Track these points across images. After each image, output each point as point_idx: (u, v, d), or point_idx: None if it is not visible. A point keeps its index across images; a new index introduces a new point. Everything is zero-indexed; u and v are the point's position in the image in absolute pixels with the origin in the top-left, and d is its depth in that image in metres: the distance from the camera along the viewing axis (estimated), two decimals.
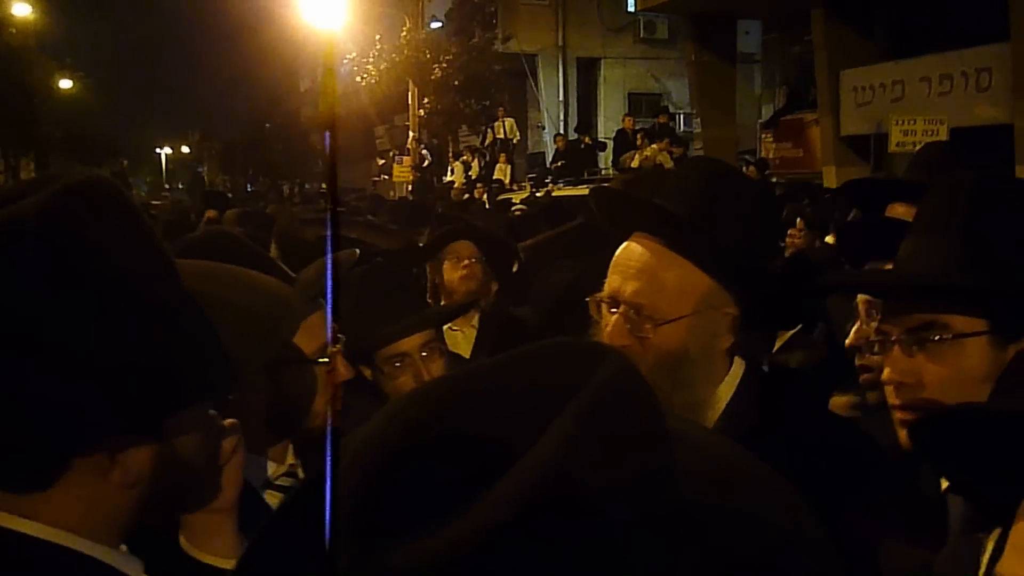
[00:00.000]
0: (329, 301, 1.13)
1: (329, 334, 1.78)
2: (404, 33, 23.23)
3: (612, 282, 1.71)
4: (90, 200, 1.06)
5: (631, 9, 23.91)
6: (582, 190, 14.83)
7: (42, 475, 1.04)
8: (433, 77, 22.68)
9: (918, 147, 11.08)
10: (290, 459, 1.89)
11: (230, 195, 19.39)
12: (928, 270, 1.47)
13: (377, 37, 23.82)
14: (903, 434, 1.47)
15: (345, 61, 24.00)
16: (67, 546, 1.05)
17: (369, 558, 0.59)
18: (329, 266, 1.17)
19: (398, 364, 2.29)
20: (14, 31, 31.94)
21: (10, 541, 1.04)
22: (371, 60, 23.76)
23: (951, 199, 1.51)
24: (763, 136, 18.64)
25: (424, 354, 2.30)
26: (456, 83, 22.47)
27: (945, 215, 1.50)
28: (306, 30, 26.50)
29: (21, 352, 0.99)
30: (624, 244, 1.72)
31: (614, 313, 1.70)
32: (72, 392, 1.00)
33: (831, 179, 14.06)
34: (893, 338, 1.46)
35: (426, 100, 23.29)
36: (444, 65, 22.58)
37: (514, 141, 21.97)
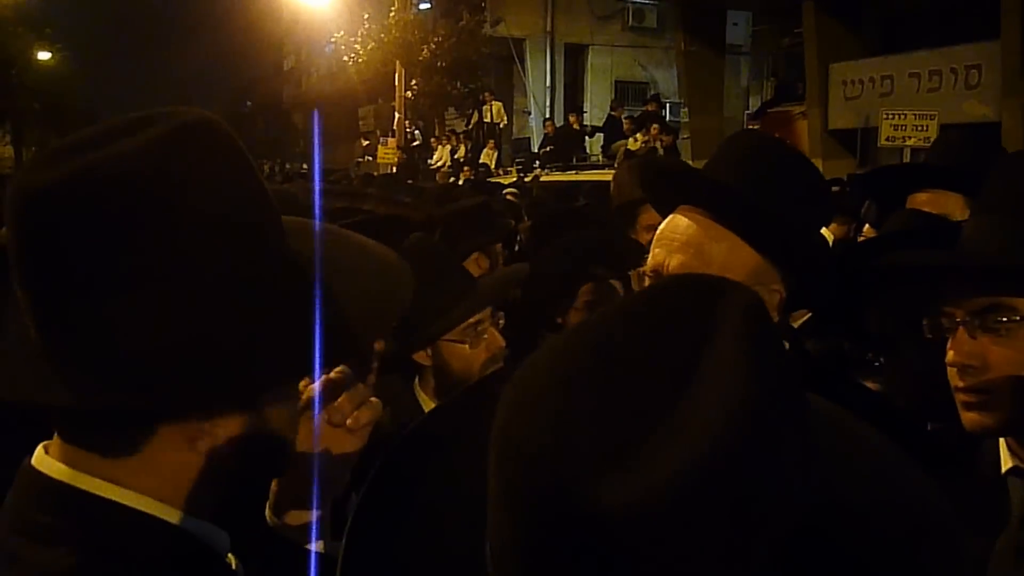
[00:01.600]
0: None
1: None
2: (392, 14, 23.07)
3: (656, 255, 1.66)
4: (202, 144, 0.97)
5: None
6: (571, 176, 14.83)
7: (129, 438, 0.98)
8: (421, 58, 22.54)
9: (908, 142, 11.24)
10: None
11: None
12: (992, 251, 1.44)
13: (365, 16, 23.64)
14: (966, 417, 1.44)
15: (331, 40, 23.83)
16: (153, 514, 1.00)
17: (574, 498, 0.58)
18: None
19: (474, 333, 2.27)
20: None
21: (96, 506, 0.98)
22: (358, 40, 23.58)
23: (1016, 179, 1.47)
24: (750, 127, 18.67)
25: (493, 321, 2.31)
26: (443, 65, 22.35)
27: (1011, 196, 1.46)
28: (292, 7, 26.30)
29: (120, 304, 0.92)
30: (669, 217, 1.67)
31: None
32: (167, 354, 0.93)
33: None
34: (957, 320, 1.43)
35: (413, 82, 23.16)
36: (432, 47, 22.46)
37: (501, 125, 21.90)
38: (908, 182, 2.62)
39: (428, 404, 2.36)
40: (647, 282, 1.69)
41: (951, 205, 2.46)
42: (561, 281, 2.74)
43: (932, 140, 11.61)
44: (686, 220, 1.65)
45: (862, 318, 2.03)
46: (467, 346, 2.27)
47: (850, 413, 0.82)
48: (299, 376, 1.13)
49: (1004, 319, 1.39)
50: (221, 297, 0.95)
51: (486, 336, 2.28)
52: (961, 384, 1.43)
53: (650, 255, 1.70)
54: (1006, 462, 1.45)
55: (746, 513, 0.59)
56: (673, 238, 1.65)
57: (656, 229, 3.22)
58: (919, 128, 11.52)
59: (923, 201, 2.52)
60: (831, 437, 0.73)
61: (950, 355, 1.43)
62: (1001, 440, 1.47)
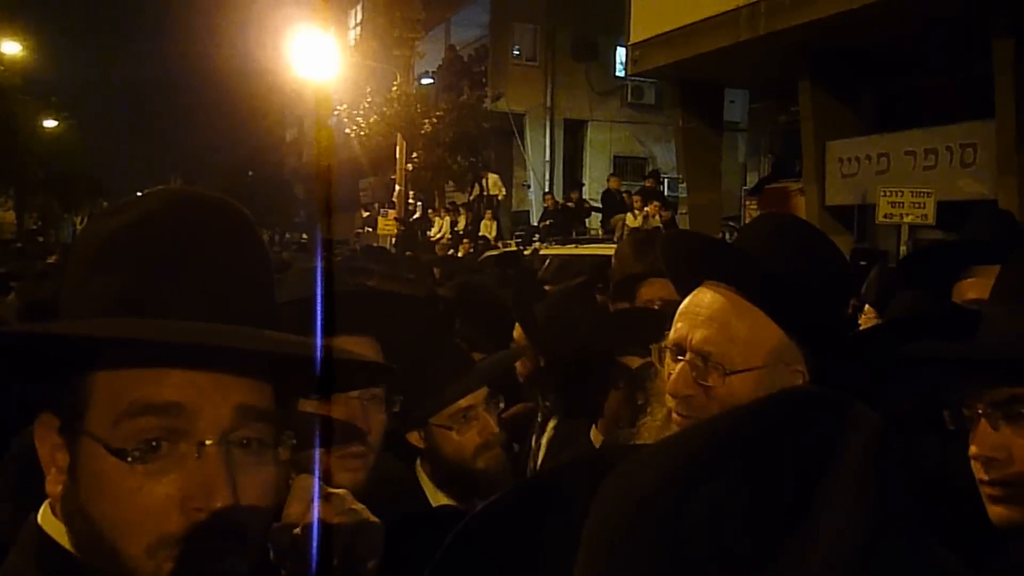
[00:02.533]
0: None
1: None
2: (395, 87, 23.44)
3: (679, 330, 1.67)
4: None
5: (619, 74, 24.29)
6: (570, 249, 14.90)
7: None
8: (422, 132, 22.85)
9: (906, 219, 11.32)
10: None
11: None
12: (1013, 342, 1.44)
13: (368, 90, 24.01)
14: (993, 511, 1.42)
15: (335, 113, 24.16)
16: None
17: None
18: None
19: (463, 419, 2.23)
20: (2, 68, 31.96)
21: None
22: (361, 113, 23.92)
23: None
24: (747, 203, 18.82)
25: (487, 406, 2.27)
26: (445, 139, 22.64)
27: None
28: (295, 80, 26.71)
29: None
30: (694, 292, 1.68)
31: (679, 361, 1.66)
32: None
33: None
34: (980, 411, 1.43)
35: (414, 154, 23.44)
36: (434, 120, 22.77)
37: (499, 197, 22.09)
38: (955, 264, 2.55)
39: (428, 485, 2.33)
40: (667, 357, 1.70)
41: None
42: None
43: (929, 217, 11.80)
44: (711, 294, 1.65)
45: (875, 404, 2.02)
46: (454, 432, 2.24)
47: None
48: None
49: None
50: None
51: (476, 421, 2.25)
52: (986, 477, 1.42)
53: (673, 329, 1.70)
54: None
55: None
56: (698, 312, 1.65)
57: (654, 304, 3.25)
58: (916, 205, 11.64)
59: (971, 285, 2.42)
60: None
61: (973, 448, 1.42)
62: None
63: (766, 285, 1.60)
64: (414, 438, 2.27)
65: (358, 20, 32.50)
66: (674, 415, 1.68)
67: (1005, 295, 1.49)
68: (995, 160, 12.28)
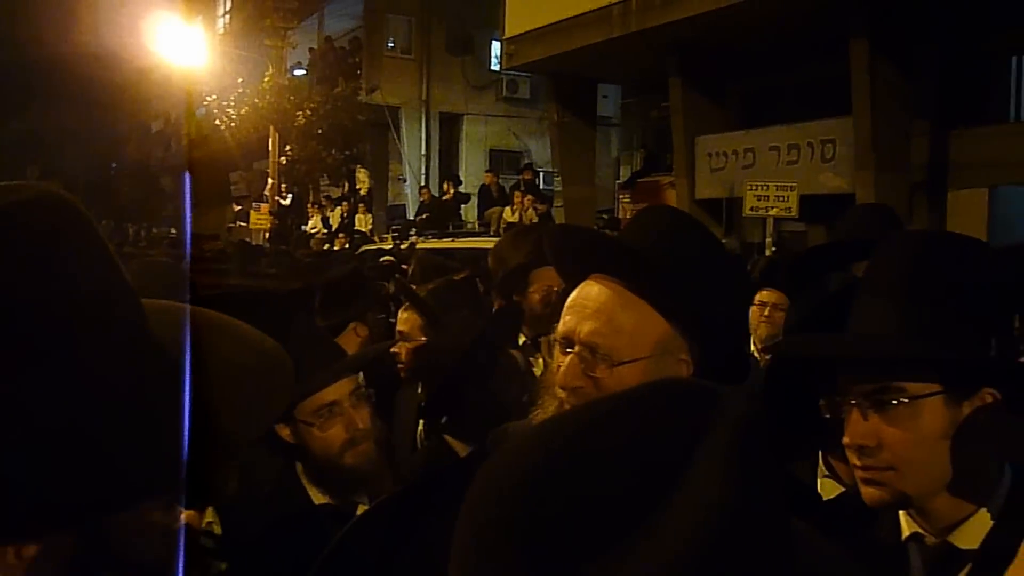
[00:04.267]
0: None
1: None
2: (267, 78, 22.91)
3: (567, 322, 1.69)
4: (46, 224, 0.85)
5: (495, 68, 24.38)
6: (447, 243, 14.89)
7: None
8: (296, 124, 22.41)
9: (771, 212, 11.76)
10: (208, 516, 1.78)
11: None
12: (880, 337, 1.52)
13: (239, 80, 23.40)
14: (865, 492, 1.51)
15: (204, 102, 23.45)
16: None
17: None
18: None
19: (327, 415, 2.18)
20: None
21: None
22: (231, 104, 23.30)
23: (898, 260, 1.56)
24: (621, 197, 19.21)
25: (353, 401, 2.22)
26: (319, 132, 22.26)
27: (893, 278, 1.55)
28: (162, 68, 25.82)
29: None
30: (581, 285, 1.71)
31: (568, 353, 1.69)
32: None
33: None
34: (852, 401, 1.50)
35: (288, 148, 22.98)
36: (307, 113, 22.36)
37: (362, 191, 21.83)
38: (843, 259, 2.66)
39: (307, 483, 2.28)
40: (556, 349, 1.73)
41: None
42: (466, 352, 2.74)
43: (793, 211, 12.28)
44: (598, 287, 1.68)
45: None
46: (316, 428, 2.19)
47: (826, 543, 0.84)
48: (138, 500, 0.91)
49: (894, 401, 1.46)
50: (56, 391, 0.81)
51: (342, 416, 2.20)
52: (858, 463, 1.50)
53: (561, 322, 1.73)
54: (905, 530, 1.53)
55: None
56: (585, 305, 1.68)
57: (546, 293, 3.28)
58: (780, 199, 12.10)
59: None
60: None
61: (845, 438, 1.50)
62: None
63: (649, 277, 1.64)
64: (284, 433, 2.23)
65: (227, 8, 31.62)
66: (566, 407, 1.71)
67: (870, 287, 1.57)
68: (853, 155, 12.87)
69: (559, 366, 1.70)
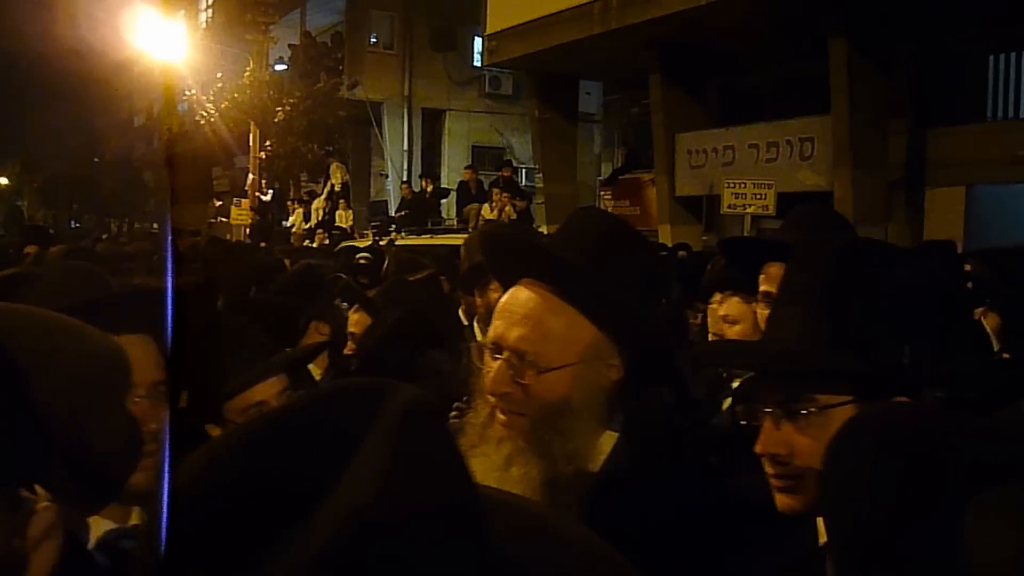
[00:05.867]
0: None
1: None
2: (247, 73, 22.80)
3: (496, 327, 1.69)
4: None
5: (477, 64, 24.36)
6: (426, 240, 14.87)
7: None
8: (276, 120, 22.30)
9: (748, 210, 11.81)
10: (134, 519, 1.75)
11: (52, 231, 18.29)
12: (793, 347, 1.52)
13: (219, 75, 23.28)
14: (778, 499, 1.51)
15: (184, 97, 23.32)
16: None
17: None
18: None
19: (255, 414, 2.16)
20: None
21: None
22: (211, 98, 23.18)
23: (811, 269, 1.56)
24: (602, 193, 19.22)
25: (282, 401, 2.19)
26: (299, 127, 22.16)
27: (806, 286, 1.55)
28: (144, 63, 25.68)
29: None
30: (510, 290, 1.70)
31: (497, 359, 1.68)
32: None
33: (666, 237, 14.63)
34: (766, 410, 1.51)
35: (268, 143, 22.87)
36: (288, 108, 22.26)
37: (336, 187, 21.73)
38: (761, 254, 2.67)
39: None
40: (487, 355, 1.72)
41: None
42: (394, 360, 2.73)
43: (770, 208, 12.31)
44: (527, 293, 1.68)
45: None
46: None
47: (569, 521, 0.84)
48: None
49: (804, 410, 1.46)
50: None
51: None
52: (771, 471, 1.50)
53: (491, 327, 1.72)
54: (822, 536, 1.53)
55: None
56: (513, 311, 1.68)
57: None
58: (758, 196, 12.13)
59: (774, 273, 2.53)
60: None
61: (758, 446, 1.50)
62: None
63: (577, 283, 1.64)
64: (215, 432, 2.20)
65: (209, 2, 31.45)
66: (497, 413, 1.70)
67: (784, 295, 1.57)
68: (831, 153, 12.92)
69: (488, 371, 1.69)
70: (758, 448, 1.49)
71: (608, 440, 1.69)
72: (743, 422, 1.53)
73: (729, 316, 2.90)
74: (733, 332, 3.01)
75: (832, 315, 1.48)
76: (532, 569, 0.72)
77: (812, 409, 1.45)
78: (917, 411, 0.89)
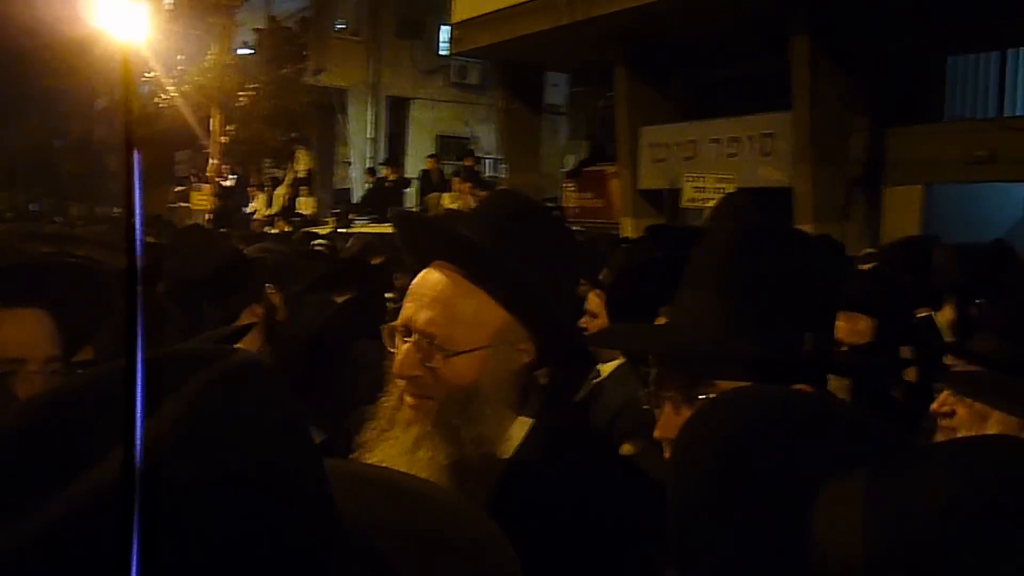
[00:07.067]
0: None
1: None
2: (209, 56, 22.52)
3: (406, 310, 1.65)
4: None
5: (443, 52, 24.24)
6: (386, 228, 14.80)
7: None
8: (238, 104, 22.06)
9: (708, 203, 11.85)
10: None
11: (9, 213, 17.99)
12: (696, 332, 1.50)
13: (179, 57, 22.97)
14: None
15: (144, 79, 22.98)
16: None
17: None
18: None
19: None
20: None
21: None
22: (172, 81, 22.87)
23: (713, 254, 1.54)
24: (566, 185, 19.21)
25: None
26: (263, 112, 21.94)
27: (708, 271, 1.52)
28: (106, 44, 25.22)
29: None
30: (421, 272, 1.67)
31: (406, 342, 1.64)
32: None
33: (628, 229, 14.65)
34: (667, 395, 1.48)
35: (230, 127, 22.62)
36: (251, 92, 22.03)
37: (301, 174, 21.59)
38: (686, 241, 2.66)
39: None
40: (397, 337, 1.68)
41: None
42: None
43: None
44: (438, 275, 1.64)
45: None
46: None
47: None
48: None
49: (703, 396, 1.44)
50: None
51: None
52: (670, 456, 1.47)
53: (402, 309, 1.68)
54: None
55: None
56: (423, 293, 1.64)
57: None
58: (718, 191, 12.16)
59: None
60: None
61: (657, 431, 1.47)
62: None
63: (486, 266, 1.60)
64: None
65: None
66: (406, 396, 1.66)
67: (689, 278, 1.55)
68: (792, 149, 12.99)
69: (397, 354, 1.65)
70: (657, 433, 1.47)
71: (520, 426, 1.66)
72: (645, 407, 1.50)
73: None
74: None
75: (732, 300, 1.46)
76: (380, 535, 0.72)
77: (711, 394, 1.43)
78: (765, 396, 0.85)
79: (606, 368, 3.14)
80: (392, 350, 1.70)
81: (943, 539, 0.72)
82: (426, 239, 1.71)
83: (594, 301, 3.14)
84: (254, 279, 3.39)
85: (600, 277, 3.14)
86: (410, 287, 1.68)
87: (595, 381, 3.17)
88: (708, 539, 0.79)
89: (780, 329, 1.43)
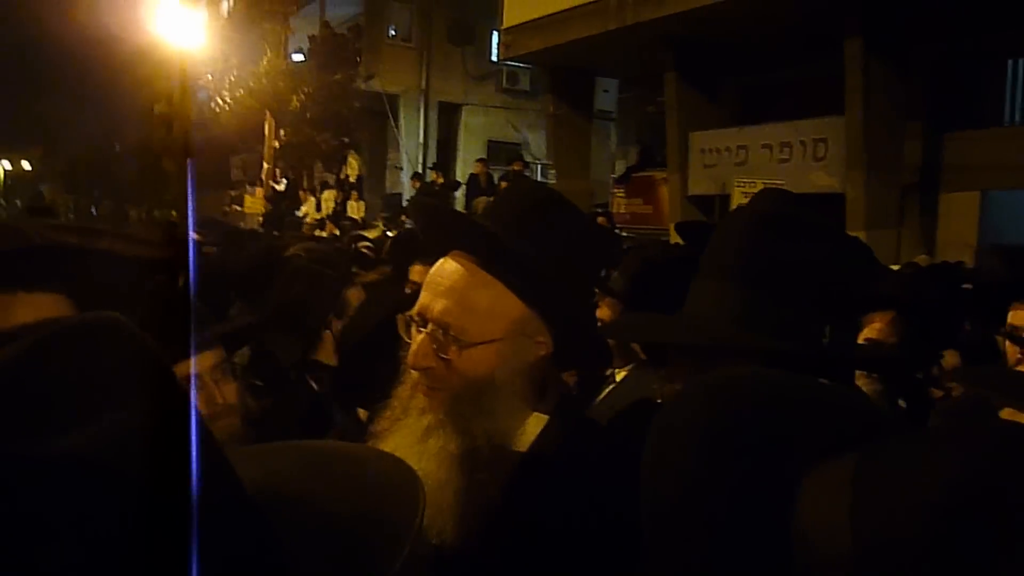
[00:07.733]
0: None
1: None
2: (264, 62, 22.83)
3: (423, 299, 1.64)
4: None
5: (494, 59, 24.30)
6: None
7: None
8: (291, 109, 22.33)
9: None
10: None
11: (72, 215, 18.39)
12: (707, 323, 1.47)
13: (235, 63, 23.33)
14: None
15: (200, 84, 23.38)
16: None
17: None
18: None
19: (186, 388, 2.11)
20: None
21: None
22: (227, 86, 23.23)
23: (733, 243, 1.50)
24: (615, 191, 19.12)
25: (216, 375, 2.14)
26: (314, 117, 22.18)
27: (727, 260, 1.49)
28: (164, 50, 25.78)
29: None
30: (439, 261, 1.66)
31: (421, 332, 1.63)
32: None
33: (677, 236, 14.52)
34: (678, 387, 1.45)
35: (282, 132, 22.90)
36: (303, 97, 22.28)
37: (351, 178, 21.73)
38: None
39: None
40: (413, 327, 1.67)
41: None
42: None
43: None
44: (454, 265, 1.63)
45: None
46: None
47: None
48: None
49: None
50: None
51: (203, 391, 2.10)
52: None
53: (419, 299, 1.67)
54: None
55: None
56: (439, 283, 1.63)
57: None
58: None
59: None
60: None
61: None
62: None
63: (503, 257, 1.58)
64: None
65: None
66: (420, 388, 1.65)
67: (706, 268, 1.52)
68: (844, 154, 12.78)
69: (412, 344, 1.64)
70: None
71: (536, 421, 1.63)
72: (659, 400, 1.48)
73: None
74: None
75: (753, 290, 1.43)
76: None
77: None
78: (745, 379, 0.81)
79: (620, 374, 3.10)
80: (407, 340, 1.69)
81: (935, 529, 0.68)
82: (443, 228, 1.70)
83: (604, 311, 3.08)
84: (287, 277, 3.42)
85: (610, 283, 3.08)
86: (427, 277, 1.67)
87: (610, 387, 3.13)
88: (683, 534, 0.76)
89: (794, 319, 1.40)
